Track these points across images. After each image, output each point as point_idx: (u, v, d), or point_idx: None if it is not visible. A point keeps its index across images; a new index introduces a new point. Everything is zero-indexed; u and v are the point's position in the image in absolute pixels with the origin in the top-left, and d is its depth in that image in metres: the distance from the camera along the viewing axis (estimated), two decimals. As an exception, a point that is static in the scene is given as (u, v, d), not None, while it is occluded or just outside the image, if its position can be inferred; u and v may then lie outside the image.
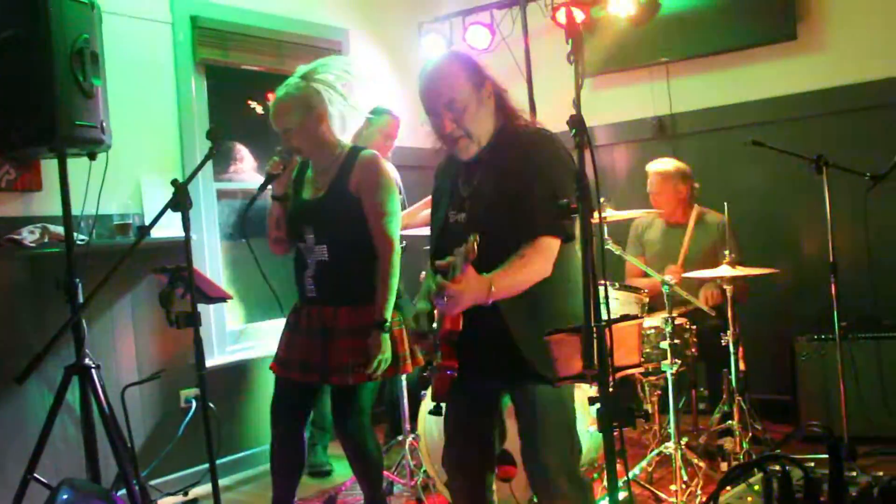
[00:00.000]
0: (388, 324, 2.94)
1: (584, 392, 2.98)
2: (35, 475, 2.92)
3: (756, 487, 1.71)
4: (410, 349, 3.10)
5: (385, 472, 3.87)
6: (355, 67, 3.13)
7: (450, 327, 2.21)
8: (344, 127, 3.09)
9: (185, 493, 4.02)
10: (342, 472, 4.23)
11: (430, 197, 4.25)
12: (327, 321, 3.00)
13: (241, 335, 4.69)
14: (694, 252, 4.26)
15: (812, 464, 1.70)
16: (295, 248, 3.13)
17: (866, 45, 4.56)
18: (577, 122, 1.78)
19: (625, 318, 1.90)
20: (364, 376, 2.96)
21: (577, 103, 1.81)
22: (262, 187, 3.03)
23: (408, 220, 4.34)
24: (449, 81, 2.29)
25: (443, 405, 2.29)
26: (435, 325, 2.67)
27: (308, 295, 3.05)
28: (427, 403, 3.60)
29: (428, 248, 2.55)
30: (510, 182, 2.24)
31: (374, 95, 3.23)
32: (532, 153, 2.25)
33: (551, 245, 2.21)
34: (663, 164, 4.44)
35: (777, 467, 1.65)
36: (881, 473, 1.67)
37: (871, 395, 4.01)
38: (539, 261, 2.19)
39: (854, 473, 1.69)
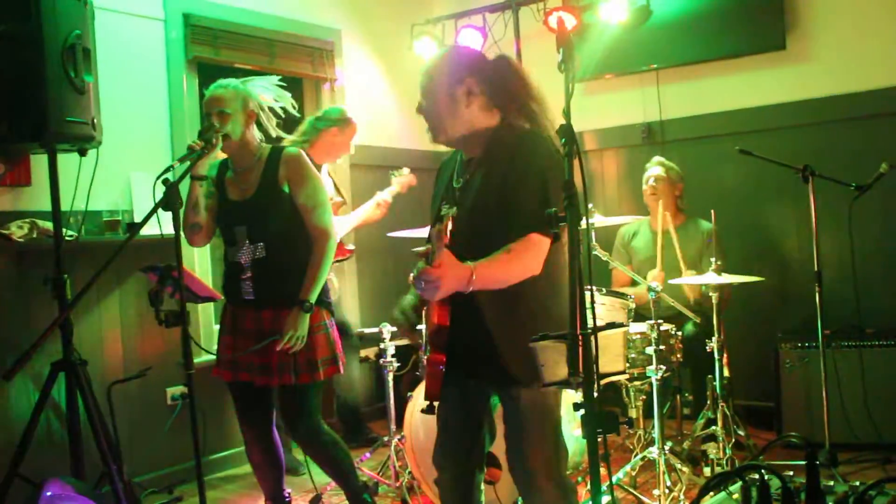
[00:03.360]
0: (309, 305, 2.97)
1: (569, 396, 3.02)
2: (19, 472, 2.91)
3: (735, 496, 1.73)
4: (334, 353, 3.13)
5: (369, 473, 3.90)
6: (286, 99, 3.24)
7: (437, 322, 2.19)
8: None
9: (171, 491, 4.01)
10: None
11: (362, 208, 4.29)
12: (265, 324, 3.02)
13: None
14: (678, 257, 4.27)
15: (791, 472, 1.73)
16: (224, 254, 3.13)
17: (855, 55, 4.60)
18: (567, 131, 1.80)
19: (610, 325, 1.91)
20: (308, 377, 3.01)
21: (567, 113, 1.82)
22: (182, 159, 2.88)
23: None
24: (432, 67, 2.40)
25: (435, 404, 2.30)
26: (423, 326, 2.69)
27: (244, 297, 3.06)
28: (414, 404, 3.62)
29: (418, 248, 2.57)
30: (498, 179, 2.25)
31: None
32: (521, 153, 2.25)
33: (541, 243, 2.17)
34: (664, 162, 4.47)
35: (756, 476, 1.68)
36: (857, 483, 1.69)
37: (854, 403, 4.04)
38: (527, 257, 2.16)
39: (832, 483, 1.71)
